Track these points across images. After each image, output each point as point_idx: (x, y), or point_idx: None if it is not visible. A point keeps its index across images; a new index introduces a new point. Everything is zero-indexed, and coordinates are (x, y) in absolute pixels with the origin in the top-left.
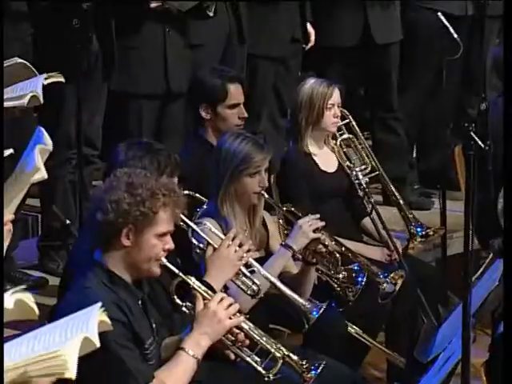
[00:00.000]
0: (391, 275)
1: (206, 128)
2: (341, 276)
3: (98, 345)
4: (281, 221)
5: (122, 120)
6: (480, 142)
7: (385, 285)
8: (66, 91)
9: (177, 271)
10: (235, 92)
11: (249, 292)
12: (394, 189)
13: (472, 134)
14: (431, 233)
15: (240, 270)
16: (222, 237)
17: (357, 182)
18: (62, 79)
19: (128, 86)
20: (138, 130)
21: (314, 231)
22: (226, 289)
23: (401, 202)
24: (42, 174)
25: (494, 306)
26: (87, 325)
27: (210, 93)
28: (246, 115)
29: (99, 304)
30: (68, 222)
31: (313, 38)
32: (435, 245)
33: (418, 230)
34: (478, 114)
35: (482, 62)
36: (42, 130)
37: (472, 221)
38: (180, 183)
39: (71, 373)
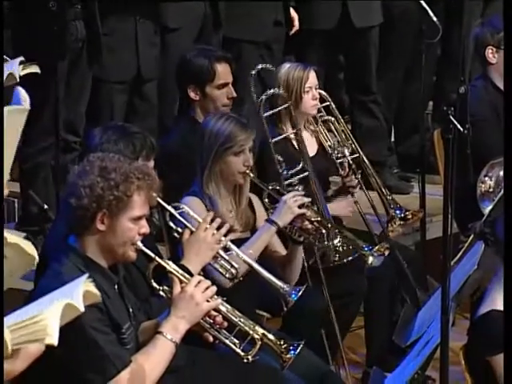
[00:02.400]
0: (376, 248)
1: (195, 109)
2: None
3: (83, 309)
4: (266, 200)
5: (92, 105)
6: (459, 126)
7: (370, 258)
8: (48, 76)
9: (152, 255)
10: (223, 72)
11: (227, 275)
12: (373, 172)
13: (451, 117)
14: (410, 216)
15: (218, 253)
16: (200, 220)
17: (339, 161)
18: (37, 70)
19: (99, 72)
20: (110, 116)
21: (300, 207)
22: (204, 272)
23: (380, 184)
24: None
25: (473, 290)
26: (71, 293)
27: (198, 73)
28: (234, 95)
29: (86, 275)
30: (46, 206)
31: (296, 22)
32: (415, 229)
33: (397, 212)
34: (457, 97)
35: (461, 44)
36: (19, 89)
37: (451, 205)
38: (164, 166)
39: (52, 338)
